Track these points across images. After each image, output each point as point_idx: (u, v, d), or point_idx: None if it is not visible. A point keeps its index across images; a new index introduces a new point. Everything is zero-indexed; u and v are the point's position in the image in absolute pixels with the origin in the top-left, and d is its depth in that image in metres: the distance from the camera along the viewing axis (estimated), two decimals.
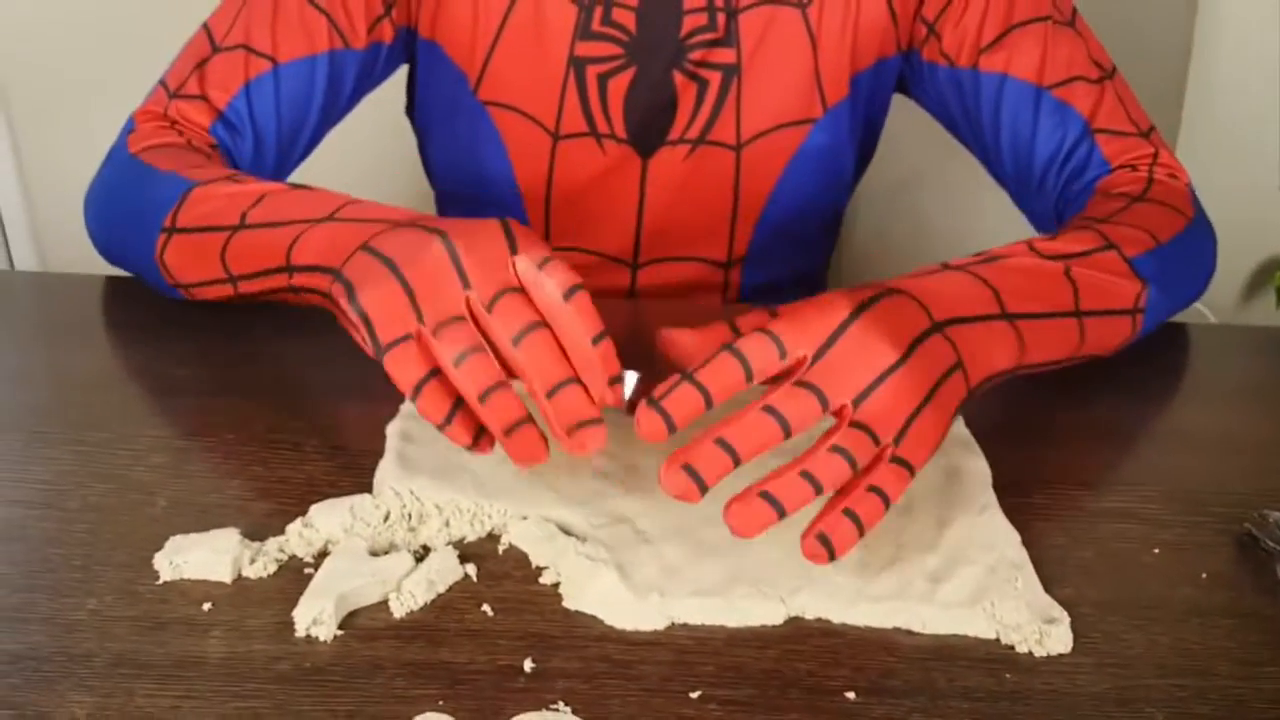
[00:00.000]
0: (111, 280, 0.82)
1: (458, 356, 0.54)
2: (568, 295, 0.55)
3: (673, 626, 0.56)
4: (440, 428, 0.55)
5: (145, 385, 0.73)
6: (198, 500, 0.62)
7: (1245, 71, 1.34)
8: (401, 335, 0.55)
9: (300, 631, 0.54)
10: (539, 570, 0.59)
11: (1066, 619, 0.56)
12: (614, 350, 0.55)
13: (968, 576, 0.58)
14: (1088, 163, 0.85)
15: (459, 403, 0.55)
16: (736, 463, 0.53)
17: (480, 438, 0.56)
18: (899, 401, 0.55)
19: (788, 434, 0.54)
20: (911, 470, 0.55)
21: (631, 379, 0.59)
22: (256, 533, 0.59)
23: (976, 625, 0.56)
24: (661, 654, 0.54)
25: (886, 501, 0.55)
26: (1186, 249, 0.78)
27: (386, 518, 0.60)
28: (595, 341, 0.55)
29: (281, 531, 0.59)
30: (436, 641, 0.54)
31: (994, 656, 0.55)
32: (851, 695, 0.52)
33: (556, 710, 0.51)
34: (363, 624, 0.55)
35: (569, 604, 0.57)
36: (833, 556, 0.54)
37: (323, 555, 0.58)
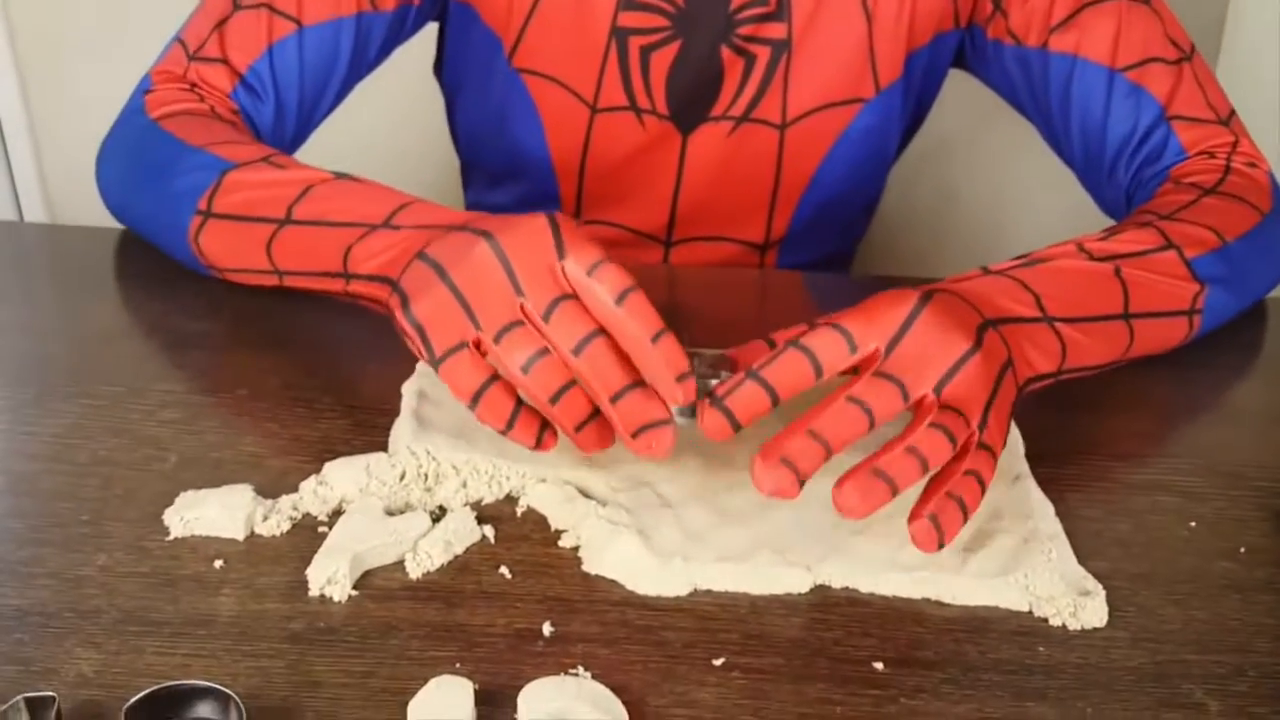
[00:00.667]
0: (123, 233, 0.81)
1: (526, 363, 0.54)
2: (620, 299, 0.53)
3: (695, 592, 0.54)
4: (503, 433, 0.55)
5: (158, 339, 0.72)
6: (210, 456, 0.61)
7: (1277, 54, 1.31)
8: (456, 344, 0.54)
9: (314, 591, 0.53)
10: (558, 533, 0.57)
11: (1102, 592, 0.55)
12: (677, 345, 0.53)
13: (1000, 547, 0.57)
14: (1163, 150, 0.81)
15: (519, 405, 0.55)
16: (828, 454, 0.52)
17: (543, 436, 0.56)
18: (976, 388, 0.54)
19: (872, 425, 0.52)
20: (995, 456, 0.54)
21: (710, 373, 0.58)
22: (270, 490, 0.58)
23: (1009, 597, 0.55)
24: (684, 620, 0.53)
25: (983, 485, 0.53)
26: (1257, 246, 0.75)
27: (402, 477, 0.59)
28: (655, 340, 0.53)
29: (295, 489, 0.58)
30: (453, 603, 0.53)
31: (1026, 629, 0.54)
32: (880, 666, 0.51)
33: (576, 674, 0.49)
34: (378, 584, 0.54)
35: (588, 568, 0.55)
36: (941, 543, 0.53)
37: (337, 514, 0.57)
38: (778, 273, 0.94)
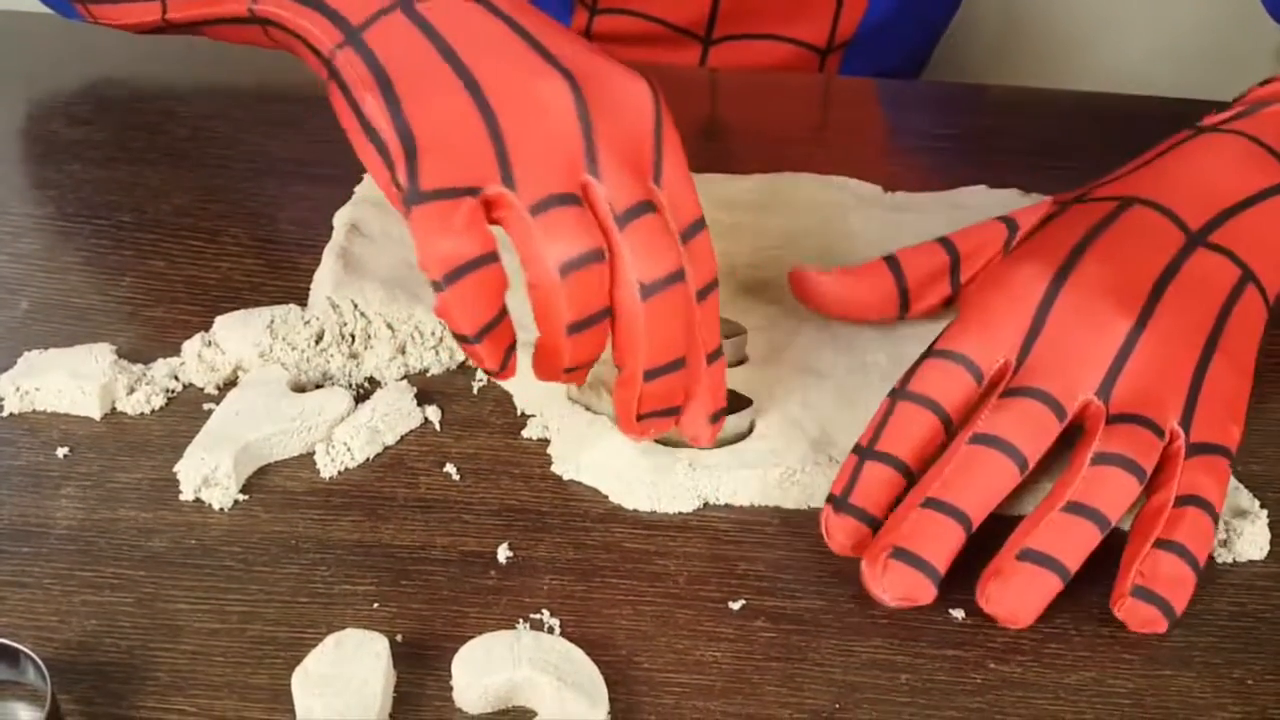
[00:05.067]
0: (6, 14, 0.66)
1: (573, 260, 0.37)
2: (703, 293, 0.40)
3: (706, 507, 0.43)
4: (465, 342, 0.38)
5: (26, 146, 0.59)
6: (72, 302, 0.49)
7: None
8: (464, 186, 0.37)
9: (187, 494, 0.42)
10: (524, 419, 0.45)
11: (1263, 512, 0.43)
12: (725, 375, 0.42)
13: None
14: None
15: (503, 313, 0.39)
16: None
17: (508, 359, 0.40)
18: (1164, 367, 0.42)
19: (1024, 469, 0.40)
20: (1228, 455, 0.42)
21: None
22: (143, 352, 0.46)
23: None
24: (691, 545, 0.42)
25: (1212, 512, 0.41)
26: None
27: (319, 339, 0.46)
28: (710, 359, 0.41)
29: (176, 352, 0.46)
30: (378, 515, 0.42)
31: None
32: (960, 615, 0.40)
33: (540, 623, 0.38)
34: (275, 487, 0.42)
35: (561, 469, 0.44)
36: (1172, 618, 0.40)
37: (230, 386, 0.45)
38: (843, 80, 0.79)
